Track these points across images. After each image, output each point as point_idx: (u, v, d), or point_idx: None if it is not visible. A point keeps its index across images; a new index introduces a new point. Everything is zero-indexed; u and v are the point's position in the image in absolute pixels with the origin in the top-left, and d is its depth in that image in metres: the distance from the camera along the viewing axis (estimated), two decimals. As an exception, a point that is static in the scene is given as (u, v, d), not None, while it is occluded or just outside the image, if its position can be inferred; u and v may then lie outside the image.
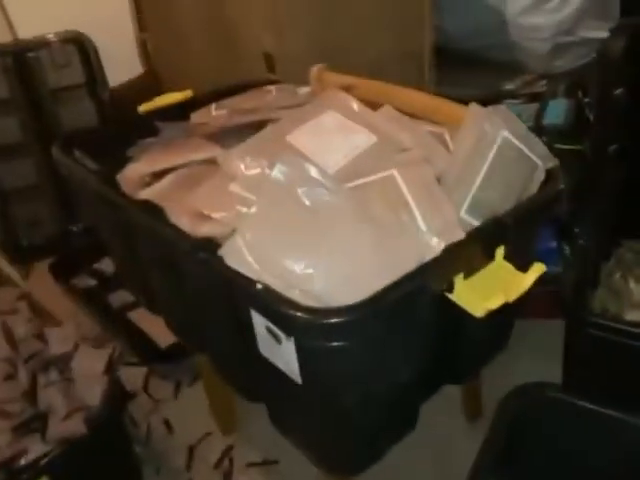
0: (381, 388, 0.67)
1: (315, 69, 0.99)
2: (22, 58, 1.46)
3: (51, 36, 1.48)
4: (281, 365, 0.67)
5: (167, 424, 1.22)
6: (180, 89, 1.11)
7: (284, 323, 0.60)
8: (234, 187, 0.68)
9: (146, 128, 0.98)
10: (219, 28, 1.41)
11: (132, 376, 1.29)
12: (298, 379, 0.65)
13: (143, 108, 1.07)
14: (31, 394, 0.93)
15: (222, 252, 0.65)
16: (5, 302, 1.10)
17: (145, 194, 0.77)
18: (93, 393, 0.97)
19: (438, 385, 0.79)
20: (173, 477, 1.13)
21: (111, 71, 1.55)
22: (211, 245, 0.67)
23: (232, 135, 0.84)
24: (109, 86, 1.55)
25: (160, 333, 1.36)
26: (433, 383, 0.77)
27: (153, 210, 0.73)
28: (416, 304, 0.62)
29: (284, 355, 0.65)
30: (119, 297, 1.48)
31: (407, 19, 1.28)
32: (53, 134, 1.48)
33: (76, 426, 0.92)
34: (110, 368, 1.01)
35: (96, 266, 1.59)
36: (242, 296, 0.65)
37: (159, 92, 1.14)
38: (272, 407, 0.78)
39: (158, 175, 0.82)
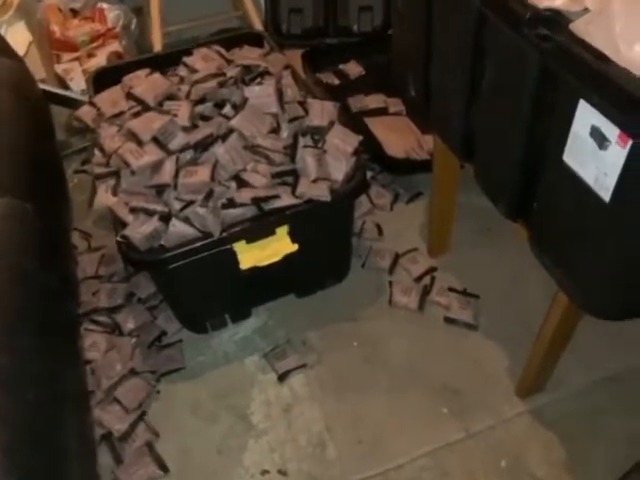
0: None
1: None
2: None
3: None
4: (586, 176, 0.60)
5: (379, 227, 1.27)
6: None
7: (631, 122, 0.51)
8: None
9: None
10: None
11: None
12: (606, 196, 0.57)
13: None
14: (292, 150, 1.00)
15: (575, 26, 0.55)
16: (275, 66, 1.15)
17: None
18: (340, 168, 1.01)
19: None
20: (376, 274, 1.19)
21: None
22: (555, 20, 0.58)
23: None
24: None
25: (391, 144, 1.37)
26: None
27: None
28: None
29: (601, 165, 0.57)
30: (358, 101, 1.49)
31: None
32: None
33: (322, 191, 0.98)
34: (358, 152, 1.03)
35: (342, 67, 1.59)
36: (580, 81, 0.56)
37: None
38: (540, 225, 0.73)
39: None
